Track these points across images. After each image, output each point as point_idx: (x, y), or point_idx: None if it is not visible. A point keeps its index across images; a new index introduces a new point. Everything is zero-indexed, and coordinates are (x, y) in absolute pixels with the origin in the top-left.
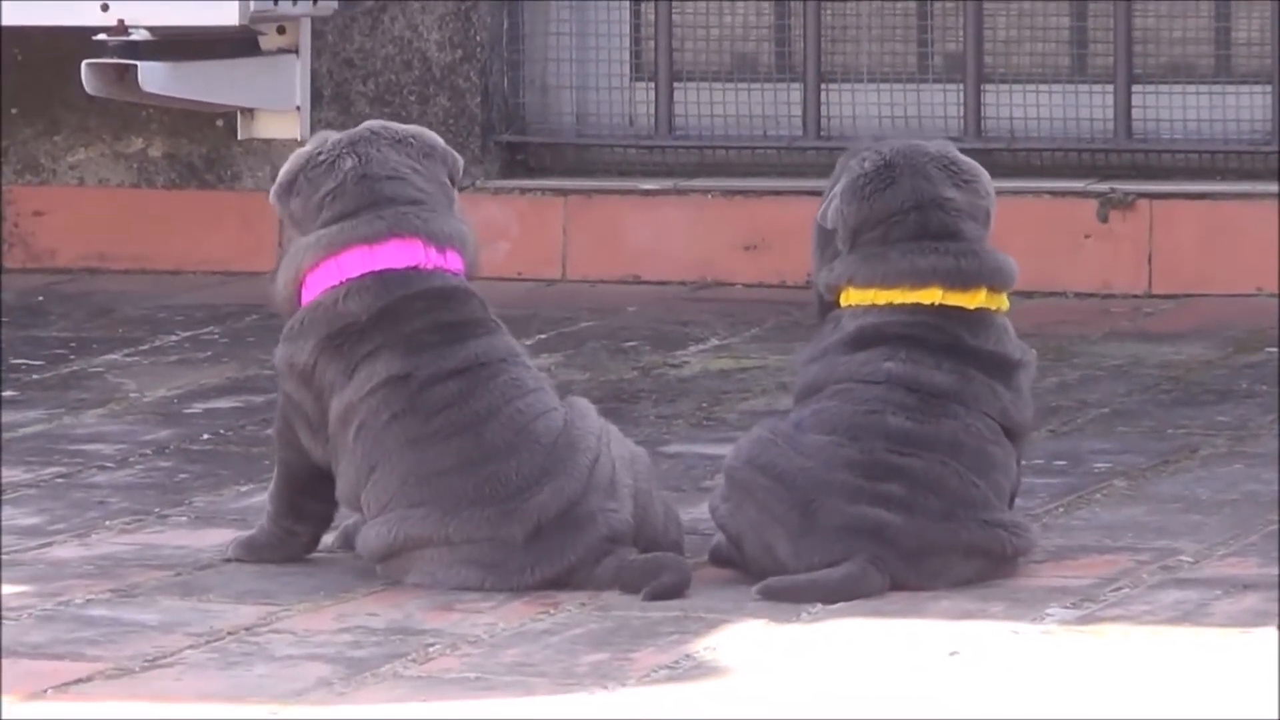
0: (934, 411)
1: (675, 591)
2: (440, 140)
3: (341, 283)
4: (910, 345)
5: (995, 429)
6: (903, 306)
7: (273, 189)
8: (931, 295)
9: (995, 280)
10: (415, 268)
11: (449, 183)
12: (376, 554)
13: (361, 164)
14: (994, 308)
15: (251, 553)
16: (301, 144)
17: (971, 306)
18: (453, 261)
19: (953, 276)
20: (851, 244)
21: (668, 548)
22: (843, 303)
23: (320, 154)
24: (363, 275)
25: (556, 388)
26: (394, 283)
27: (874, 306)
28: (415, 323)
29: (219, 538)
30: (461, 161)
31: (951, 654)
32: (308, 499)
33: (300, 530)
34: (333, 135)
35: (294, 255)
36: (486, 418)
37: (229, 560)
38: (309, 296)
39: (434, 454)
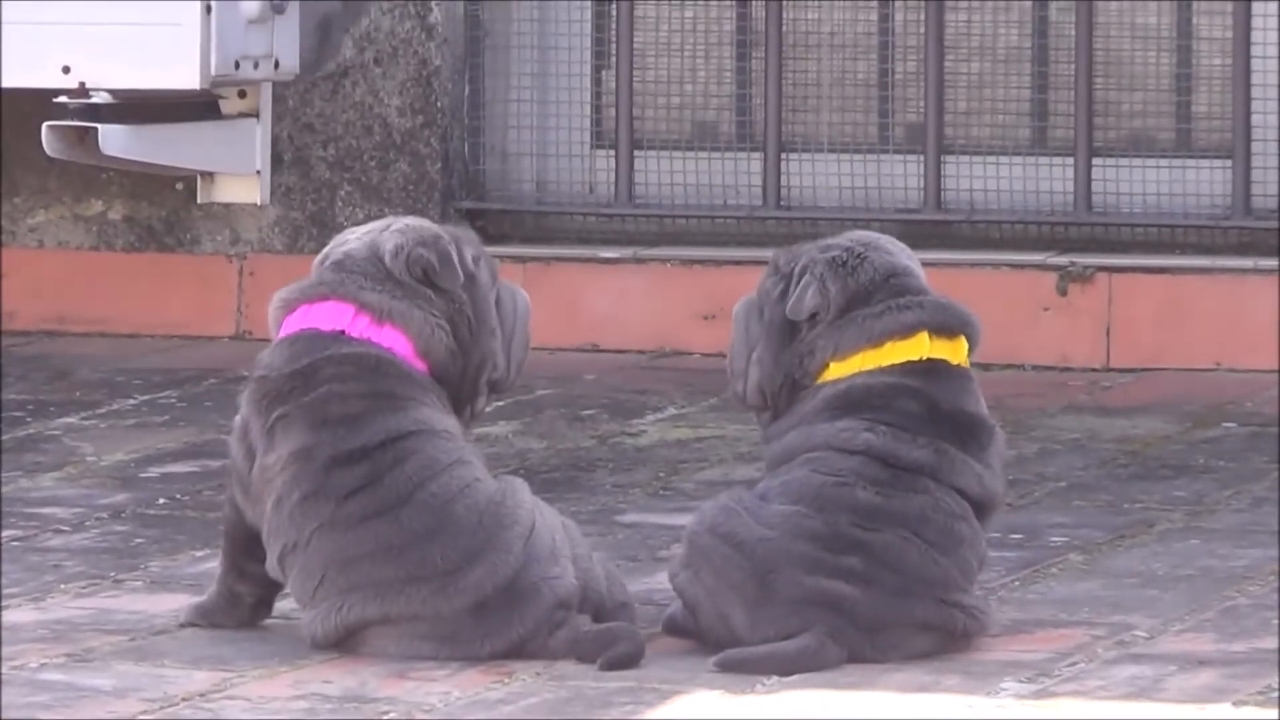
0: (904, 486)
1: (630, 661)
2: (432, 240)
3: (282, 339)
4: (892, 415)
5: (964, 505)
6: (891, 368)
7: None
8: (919, 346)
9: (970, 330)
10: (341, 332)
11: (426, 278)
12: (323, 643)
13: (354, 246)
14: (969, 370)
15: (203, 617)
16: (260, 209)
17: (954, 361)
18: (390, 338)
19: (937, 326)
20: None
21: (614, 609)
22: (821, 380)
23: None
24: (294, 332)
25: (513, 456)
26: (314, 342)
27: (860, 372)
28: (324, 389)
29: (175, 603)
30: (431, 259)
31: None
32: (247, 559)
33: (243, 591)
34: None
35: (270, 309)
36: (399, 504)
37: (184, 625)
38: None
39: (351, 539)
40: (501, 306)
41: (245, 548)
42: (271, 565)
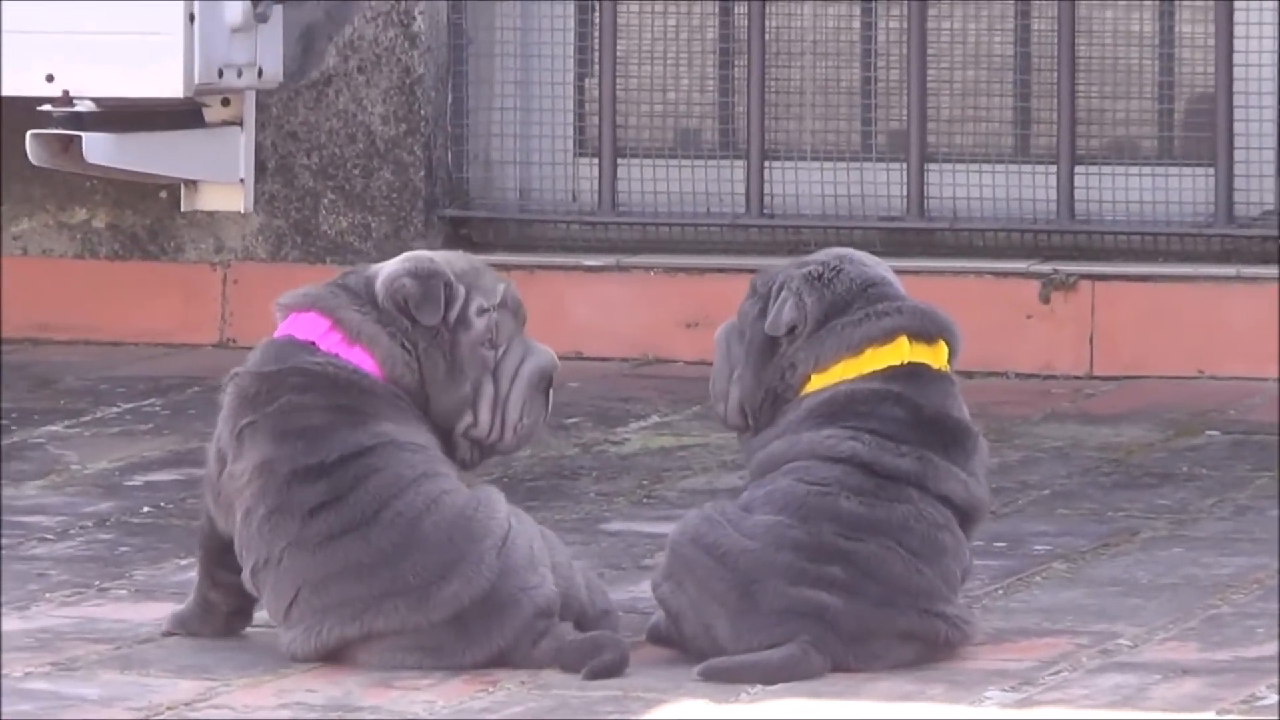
0: (888, 495)
1: (614, 670)
2: (425, 274)
3: (265, 341)
4: (877, 421)
5: (948, 515)
6: (873, 375)
7: None
8: (899, 350)
9: (949, 335)
10: (312, 343)
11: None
12: (306, 659)
13: (371, 269)
14: (951, 374)
15: (181, 625)
16: (244, 216)
17: (935, 365)
18: (358, 357)
19: (916, 330)
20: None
21: (595, 617)
22: (803, 392)
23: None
24: (274, 337)
25: (496, 464)
26: (285, 349)
27: (843, 380)
28: (284, 399)
29: (159, 611)
30: (413, 290)
31: None
32: (220, 568)
33: (218, 600)
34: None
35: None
36: (365, 523)
37: (167, 634)
38: None
39: (321, 559)
40: (502, 364)
41: (218, 557)
42: (246, 579)
